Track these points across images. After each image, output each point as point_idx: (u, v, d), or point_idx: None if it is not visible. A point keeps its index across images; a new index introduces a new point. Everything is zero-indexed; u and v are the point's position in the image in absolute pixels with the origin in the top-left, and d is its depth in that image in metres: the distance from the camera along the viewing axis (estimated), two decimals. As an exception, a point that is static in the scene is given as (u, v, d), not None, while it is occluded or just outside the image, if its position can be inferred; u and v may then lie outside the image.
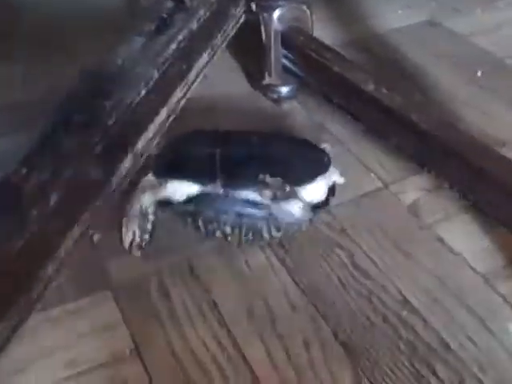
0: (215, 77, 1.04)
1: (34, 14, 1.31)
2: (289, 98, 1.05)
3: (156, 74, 0.75)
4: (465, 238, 0.82)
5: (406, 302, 0.75)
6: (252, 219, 0.79)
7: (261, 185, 0.77)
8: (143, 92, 0.72)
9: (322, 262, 0.81)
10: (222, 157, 0.80)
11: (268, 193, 0.78)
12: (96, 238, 0.85)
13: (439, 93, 1.06)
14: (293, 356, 0.71)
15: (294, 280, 0.79)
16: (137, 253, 0.82)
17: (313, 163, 0.83)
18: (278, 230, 0.81)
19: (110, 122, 0.67)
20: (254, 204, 0.78)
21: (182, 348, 0.72)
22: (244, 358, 0.71)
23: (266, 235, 0.81)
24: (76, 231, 0.63)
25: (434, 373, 0.69)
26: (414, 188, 0.90)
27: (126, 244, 0.82)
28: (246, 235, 0.80)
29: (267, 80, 1.03)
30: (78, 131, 0.64)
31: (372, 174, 0.93)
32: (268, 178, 0.77)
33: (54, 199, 0.59)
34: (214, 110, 1.02)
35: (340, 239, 0.83)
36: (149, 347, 0.72)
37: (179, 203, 0.80)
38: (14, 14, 1.28)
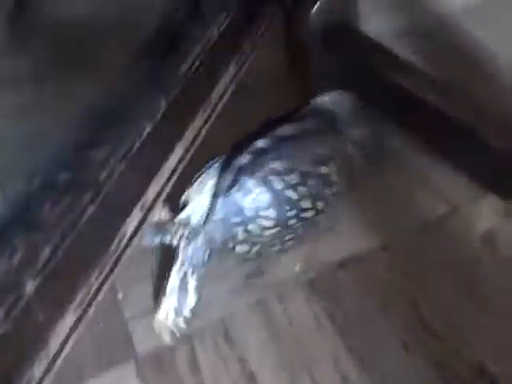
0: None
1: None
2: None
3: (164, 103, 0.61)
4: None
5: (484, 372, 0.61)
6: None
7: None
8: (147, 130, 0.59)
9: (380, 318, 0.67)
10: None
11: None
12: (120, 295, 0.75)
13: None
14: None
15: (345, 343, 0.66)
16: (166, 336, 0.69)
17: None
18: None
19: (103, 177, 0.54)
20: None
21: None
22: None
23: None
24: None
25: None
26: (489, 211, 0.74)
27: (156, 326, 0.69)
28: None
29: (311, 83, 0.89)
30: (63, 194, 0.52)
31: (438, 195, 0.78)
32: None
33: (30, 289, 0.48)
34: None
35: (402, 286, 0.69)
36: None
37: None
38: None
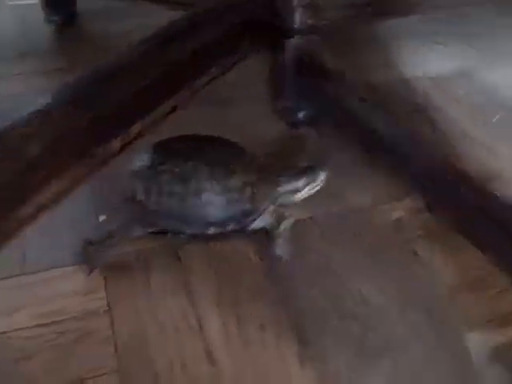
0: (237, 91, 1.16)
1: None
2: (305, 122, 1.11)
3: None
4: (439, 255, 0.85)
5: (363, 300, 0.79)
6: None
7: None
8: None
9: (297, 262, 0.86)
10: None
11: None
12: (101, 218, 0.94)
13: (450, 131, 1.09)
14: (246, 333, 0.76)
15: (265, 274, 0.84)
16: None
17: None
18: None
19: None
20: None
21: (148, 311, 0.79)
22: (201, 328, 0.76)
23: None
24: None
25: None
26: (403, 208, 0.94)
27: None
28: None
29: (282, 103, 1.11)
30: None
31: (366, 193, 0.98)
32: None
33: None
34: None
35: (318, 244, 0.89)
36: (119, 309, 0.79)
37: None
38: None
